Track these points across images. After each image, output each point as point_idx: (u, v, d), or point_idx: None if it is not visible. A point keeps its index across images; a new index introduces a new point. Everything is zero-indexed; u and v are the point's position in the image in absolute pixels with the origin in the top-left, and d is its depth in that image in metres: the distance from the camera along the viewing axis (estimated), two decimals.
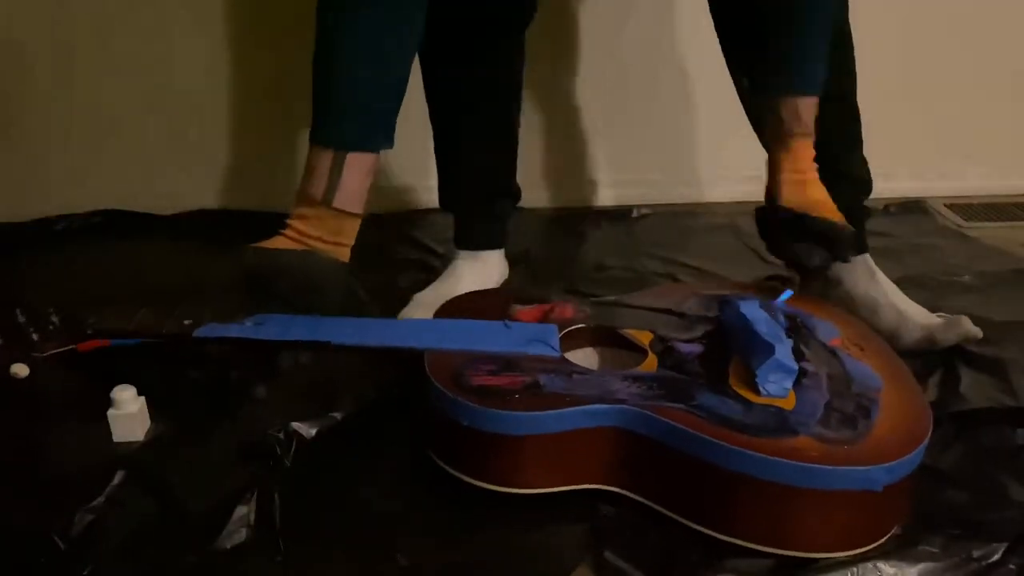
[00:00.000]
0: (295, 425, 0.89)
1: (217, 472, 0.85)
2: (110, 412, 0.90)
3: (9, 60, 1.52)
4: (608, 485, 0.80)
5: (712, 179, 1.72)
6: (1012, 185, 1.73)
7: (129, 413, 0.90)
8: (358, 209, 0.97)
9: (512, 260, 1.33)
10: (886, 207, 1.67)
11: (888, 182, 1.69)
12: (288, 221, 0.98)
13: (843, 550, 0.73)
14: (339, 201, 0.95)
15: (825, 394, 0.80)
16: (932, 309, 1.20)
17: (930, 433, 0.75)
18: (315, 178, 0.95)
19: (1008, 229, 1.58)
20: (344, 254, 0.99)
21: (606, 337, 0.96)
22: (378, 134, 0.98)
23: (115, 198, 1.58)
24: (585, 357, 0.95)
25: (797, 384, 0.81)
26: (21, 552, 0.75)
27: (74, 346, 0.98)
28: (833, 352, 0.87)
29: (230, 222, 1.56)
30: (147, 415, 0.92)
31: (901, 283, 1.29)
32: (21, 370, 0.92)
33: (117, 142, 1.58)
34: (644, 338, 0.92)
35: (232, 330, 0.92)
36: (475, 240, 1.26)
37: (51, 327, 0.95)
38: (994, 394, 0.99)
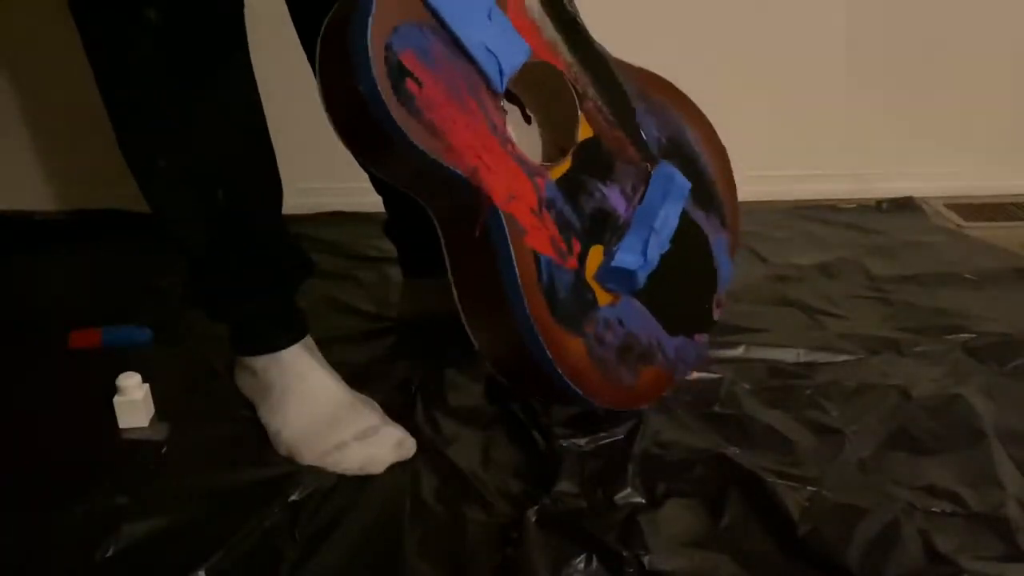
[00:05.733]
0: None
1: (227, 459, 0.87)
2: (116, 399, 0.91)
3: (12, 58, 1.53)
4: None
5: None
6: (1012, 185, 1.73)
7: (134, 400, 0.91)
8: None
9: None
10: (878, 204, 1.68)
11: (887, 182, 1.71)
12: None
13: None
14: None
15: None
16: (932, 307, 1.21)
17: None
18: None
19: (1008, 229, 1.58)
20: None
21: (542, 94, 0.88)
22: None
23: (115, 198, 1.58)
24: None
25: None
26: (30, 542, 0.76)
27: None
28: None
29: None
30: (151, 402, 0.93)
31: (897, 281, 1.31)
32: None
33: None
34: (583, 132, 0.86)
35: None
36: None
37: None
38: None
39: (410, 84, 0.71)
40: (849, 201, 1.70)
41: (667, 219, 0.89)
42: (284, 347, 0.91)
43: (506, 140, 0.80)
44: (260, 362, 0.92)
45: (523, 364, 0.82)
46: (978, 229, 1.58)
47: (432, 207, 0.82)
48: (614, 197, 0.87)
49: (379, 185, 1.07)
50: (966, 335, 1.12)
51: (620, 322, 0.87)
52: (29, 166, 1.59)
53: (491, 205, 0.77)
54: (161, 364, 1.03)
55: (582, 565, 0.73)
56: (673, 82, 0.97)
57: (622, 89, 0.90)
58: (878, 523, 0.77)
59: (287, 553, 0.74)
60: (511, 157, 0.79)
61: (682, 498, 0.82)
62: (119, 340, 1.09)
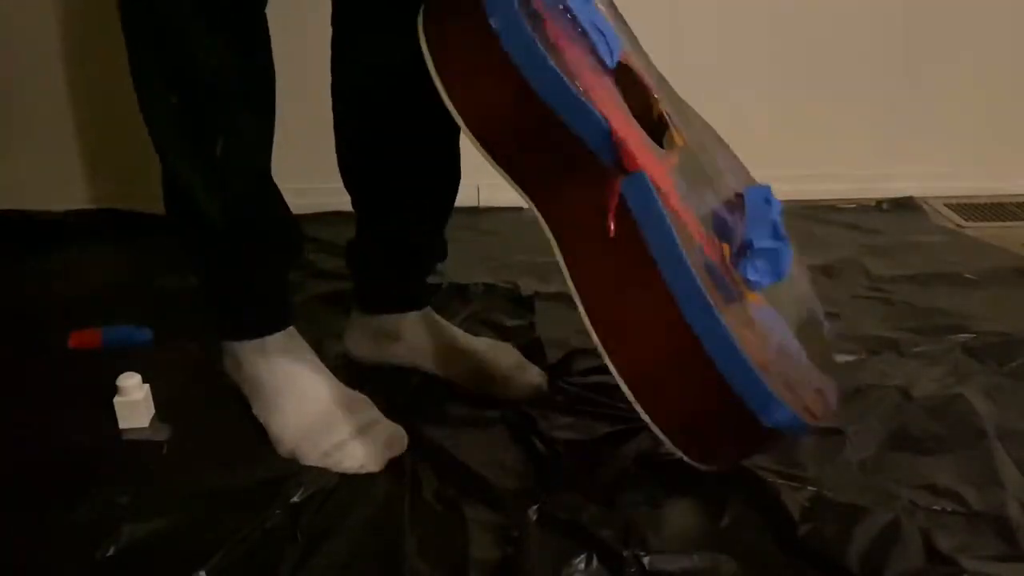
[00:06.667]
0: None
1: (227, 459, 0.87)
2: (116, 399, 0.91)
3: (17, 57, 1.53)
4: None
5: None
6: (1012, 185, 1.74)
7: (134, 400, 0.91)
8: None
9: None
10: (878, 204, 1.68)
11: (888, 182, 1.71)
12: None
13: None
14: None
15: None
16: (932, 307, 1.21)
17: None
18: None
19: (1008, 229, 1.58)
20: None
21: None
22: None
23: (115, 198, 1.58)
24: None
25: None
26: (30, 542, 0.76)
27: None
28: None
29: None
30: (151, 402, 0.93)
31: (897, 281, 1.31)
32: None
33: (118, 141, 1.58)
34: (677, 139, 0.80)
35: None
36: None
37: None
38: None
39: (546, 27, 0.69)
40: (849, 201, 1.70)
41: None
42: (268, 333, 0.90)
43: (630, 115, 0.75)
44: (246, 351, 0.91)
45: (690, 375, 0.70)
46: (978, 229, 1.58)
47: (549, 186, 0.73)
48: (716, 203, 0.81)
49: (357, 195, 1.03)
50: (966, 335, 1.12)
51: (768, 327, 0.77)
52: (29, 166, 1.59)
53: (635, 168, 0.68)
54: (161, 364, 1.03)
55: (582, 565, 0.73)
56: (682, 83, 0.96)
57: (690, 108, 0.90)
58: (878, 522, 0.77)
59: (288, 553, 0.74)
60: (640, 131, 0.74)
61: (682, 498, 0.82)
62: (119, 340, 1.09)
